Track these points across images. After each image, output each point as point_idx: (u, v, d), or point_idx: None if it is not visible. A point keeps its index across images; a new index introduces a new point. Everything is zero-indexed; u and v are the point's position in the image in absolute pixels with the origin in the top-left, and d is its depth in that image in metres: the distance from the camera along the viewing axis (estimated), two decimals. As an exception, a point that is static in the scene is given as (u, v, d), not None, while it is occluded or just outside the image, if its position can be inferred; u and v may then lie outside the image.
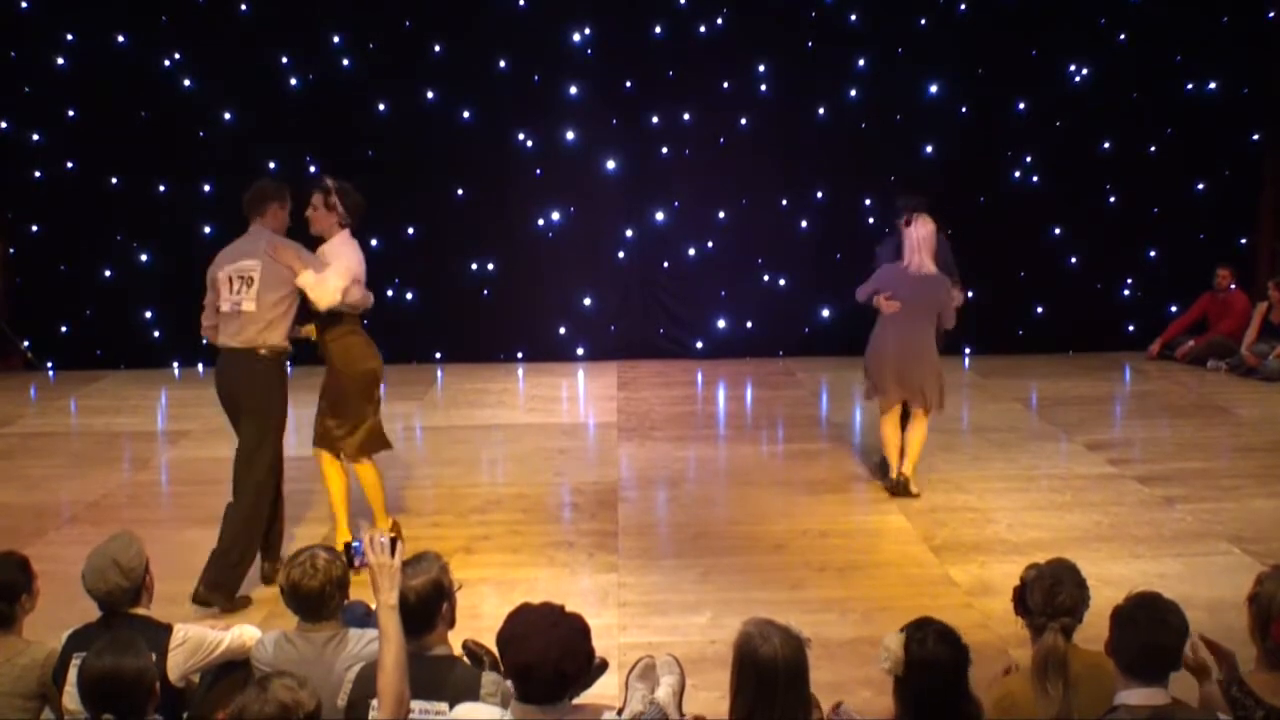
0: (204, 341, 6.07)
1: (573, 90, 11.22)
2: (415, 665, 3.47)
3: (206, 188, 10.97)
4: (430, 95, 11.14)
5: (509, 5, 11.04)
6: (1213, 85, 11.46)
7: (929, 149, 11.40)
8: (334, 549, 3.99)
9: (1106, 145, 11.55)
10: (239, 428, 5.90)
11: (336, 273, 5.84)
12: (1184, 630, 3.31)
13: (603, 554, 6.47)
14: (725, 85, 11.28)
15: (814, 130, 11.34)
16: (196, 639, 3.94)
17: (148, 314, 11.36)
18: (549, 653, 3.09)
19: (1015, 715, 3.53)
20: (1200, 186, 11.70)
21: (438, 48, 11.06)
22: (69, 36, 10.90)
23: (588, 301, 11.65)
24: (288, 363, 5.97)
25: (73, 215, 11.07)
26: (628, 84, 11.27)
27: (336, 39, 11.00)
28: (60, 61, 10.93)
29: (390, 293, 10.93)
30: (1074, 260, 11.72)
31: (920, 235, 7.05)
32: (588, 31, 11.15)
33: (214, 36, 10.78)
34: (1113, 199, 11.65)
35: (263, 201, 5.91)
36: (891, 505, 7.18)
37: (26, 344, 11.42)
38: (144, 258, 11.26)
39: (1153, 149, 11.57)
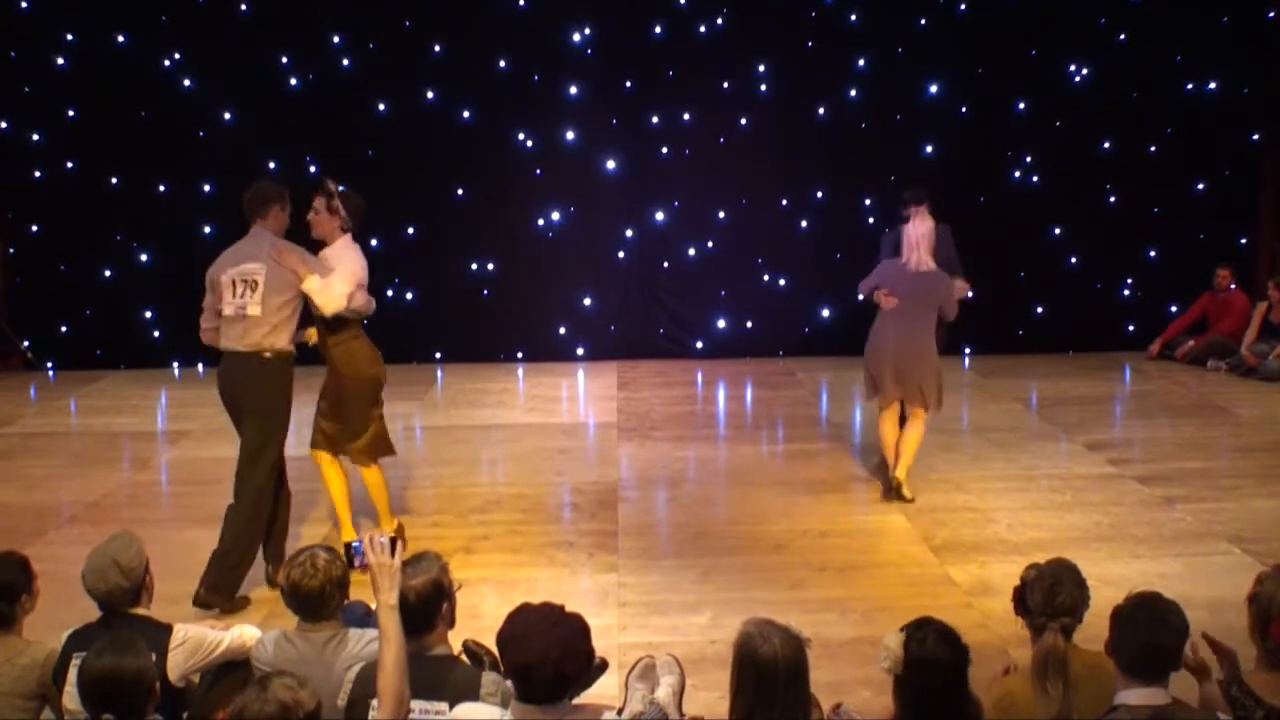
0: (203, 344, 5.99)
1: (573, 90, 11.22)
2: (415, 665, 3.47)
3: (206, 188, 10.97)
4: (430, 95, 11.14)
5: (509, 5, 11.03)
6: (1213, 85, 11.46)
7: (929, 149, 11.39)
8: (334, 549, 3.98)
9: (1106, 145, 11.54)
10: (242, 429, 5.87)
11: (342, 278, 5.83)
12: (1184, 630, 3.32)
13: (603, 554, 6.47)
14: (725, 85, 11.27)
15: (814, 130, 11.34)
16: (196, 639, 3.94)
17: (148, 314, 11.35)
18: (549, 653, 3.09)
19: (1015, 715, 3.53)
20: (1200, 186, 11.70)
21: (438, 48, 11.06)
22: (69, 36, 10.89)
23: (588, 301, 11.65)
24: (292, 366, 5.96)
25: (73, 215, 11.07)
26: (628, 84, 11.26)
27: (336, 39, 10.99)
28: (60, 61, 10.93)
29: (390, 293, 10.91)
30: (1074, 260, 11.72)
31: (919, 232, 7.04)
32: (588, 31, 11.15)
33: (214, 36, 10.78)
34: (1113, 199, 11.65)
35: (264, 203, 5.87)
36: (891, 505, 7.18)
37: (26, 344, 11.42)
38: (144, 258, 11.26)
39: (1153, 149, 11.57)
